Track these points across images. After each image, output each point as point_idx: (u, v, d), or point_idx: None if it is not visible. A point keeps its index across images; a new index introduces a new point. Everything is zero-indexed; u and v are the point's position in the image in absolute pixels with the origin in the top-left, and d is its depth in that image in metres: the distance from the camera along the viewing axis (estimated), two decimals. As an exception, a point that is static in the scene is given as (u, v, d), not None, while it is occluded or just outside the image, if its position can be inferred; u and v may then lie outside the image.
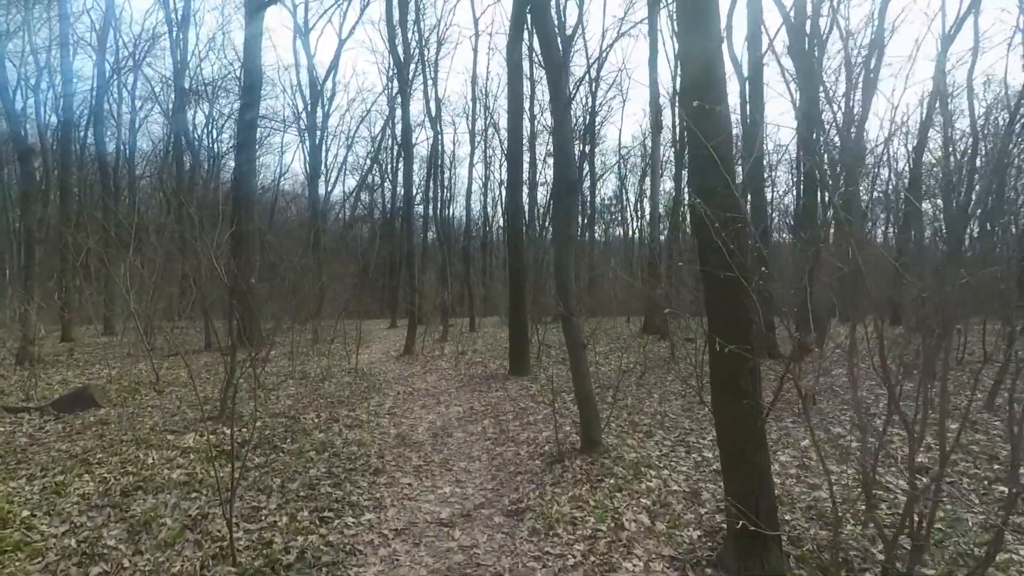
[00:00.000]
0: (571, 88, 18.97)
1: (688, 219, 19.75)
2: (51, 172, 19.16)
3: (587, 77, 22.17)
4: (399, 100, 16.62)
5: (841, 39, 16.61)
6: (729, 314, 2.71)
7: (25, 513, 3.46)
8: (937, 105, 14.23)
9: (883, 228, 24.58)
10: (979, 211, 12.61)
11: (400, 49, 16.50)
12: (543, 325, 13.79)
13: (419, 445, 5.22)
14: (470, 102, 31.14)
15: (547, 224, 26.72)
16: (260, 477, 4.14)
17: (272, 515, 3.48)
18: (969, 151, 14.89)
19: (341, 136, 41.52)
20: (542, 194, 27.15)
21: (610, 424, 5.28)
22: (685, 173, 18.47)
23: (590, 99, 23.26)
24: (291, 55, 45.34)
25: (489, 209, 32.10)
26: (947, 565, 2.75)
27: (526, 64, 18.29)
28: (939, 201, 15.76)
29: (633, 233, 33.06)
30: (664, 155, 19.26)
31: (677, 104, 18.62)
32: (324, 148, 28.19)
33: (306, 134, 25.82)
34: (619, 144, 35.42)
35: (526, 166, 20.68)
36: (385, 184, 32.28)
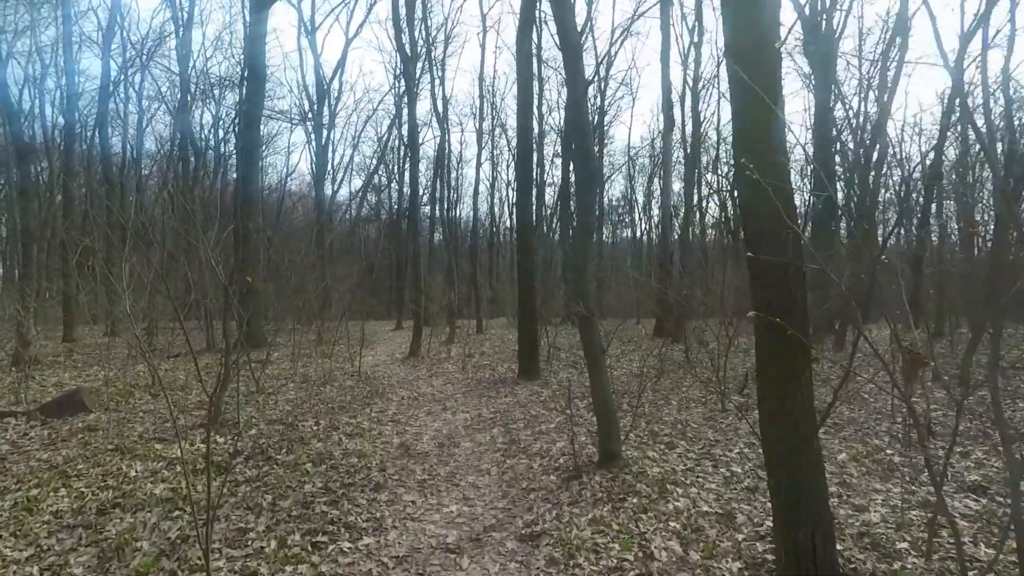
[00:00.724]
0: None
1: (699, 218, 19.34)
2: (55, 171, 19.02)
3: (596, 76, 21.82)
4: (406, 100, 16.38)
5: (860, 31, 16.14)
6: (786, 313, 2.33)
7: (-11, 534, 3.14)
8: (957, 102, 13.72)
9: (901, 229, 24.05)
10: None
11: (407, 47, 16.22)
12: (554, 327, 13.42)
13: (424, 456, 4.86)
14: (477, 100, 30.90)
15: (555, 224, 26.38)
16: (250, 493, 3.80)
17: (260, 539, 3.13)
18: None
19: (348, 136, 41.43)
20: (550, 195, 26.81)
21: (629, 435, 4.90)
22: (695, 172, 18.10)
23: (599, 98, 22.92)
24: (297, 55, 45.28)
25: (496, 209, 31.80)
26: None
27: (533, 63, 17.95)
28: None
29: (642, 235, 32.66)
30: (674, 155, 18.88)
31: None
32: (331, 148, 28.02)
33: (312, 134, 25.65)
34: (628, 145, 34.99)
35: (533, 166, 20.31)
36: (392, 184, 32.07)
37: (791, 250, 2.32)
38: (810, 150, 12.16)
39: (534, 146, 18.99)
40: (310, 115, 26.19)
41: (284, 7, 26.75)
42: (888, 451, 4.69)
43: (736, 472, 4.25)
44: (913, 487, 3.91)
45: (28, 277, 10.31)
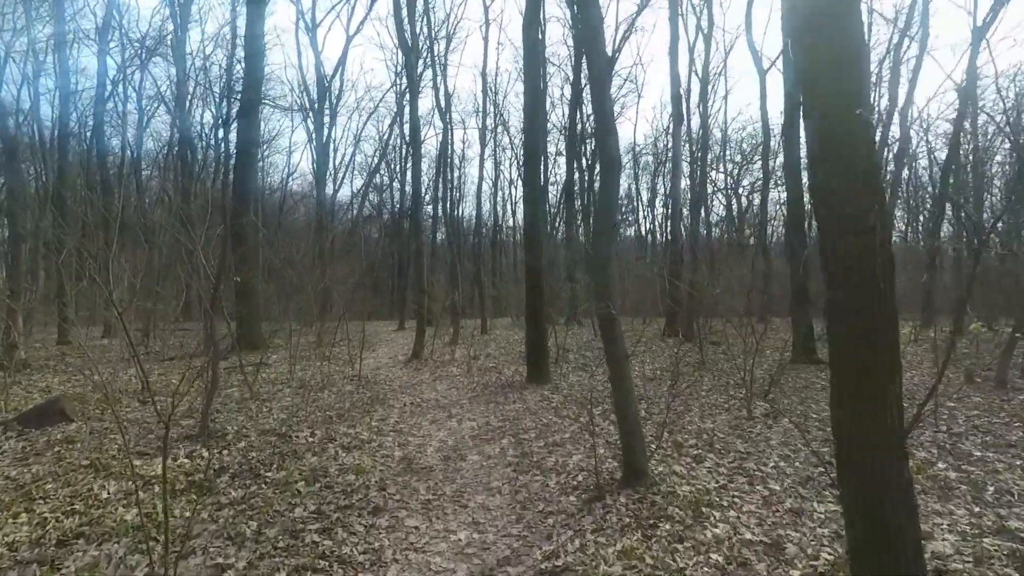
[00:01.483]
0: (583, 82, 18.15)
1: (706, 215, 18.80)
2: (50, 171, 18.67)
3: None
4: (407, 97, 15.94)
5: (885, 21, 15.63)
6: (869, 315, 1.90)
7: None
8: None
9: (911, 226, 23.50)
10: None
11: (409, 43, 15.79)
12: (563, 328, 12.98)
13: (428, 471, 4.44)
14: (480, 95, 30.49)
15: (558, 224, 25.91)
16: (233, 519, 3.37)
17: (239, 577, 2.71)
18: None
19: (349, 135, 41.09)
20: (552, 193, 26.38)
21: (655, 450, 4.47)
22: (699, 172, 17.62)
23: (604, 93, 22.42)
24: (295, 54, 44.93)
25: (499, 208, 31.38)
26: None
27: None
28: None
29: (647, 233, 32.17)
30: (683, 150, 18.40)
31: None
32: (332, 147, 27.62)
33: (313, 132, 25.25)
34: (633, 142, 34.51)
35: (541, 152, 19.86)
36: (393, 184, 31.69)
37: (878, 237, 1.89)
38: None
39: (544, 134, 18.46)
40: (310, 113, 25.81)
41: (285, 5, 26.35)
42: (940, 465, 4.25)
43: (775, 490, 3.81)
44: (977, 508, 3.47)
45: (16, 278, 9.91)
